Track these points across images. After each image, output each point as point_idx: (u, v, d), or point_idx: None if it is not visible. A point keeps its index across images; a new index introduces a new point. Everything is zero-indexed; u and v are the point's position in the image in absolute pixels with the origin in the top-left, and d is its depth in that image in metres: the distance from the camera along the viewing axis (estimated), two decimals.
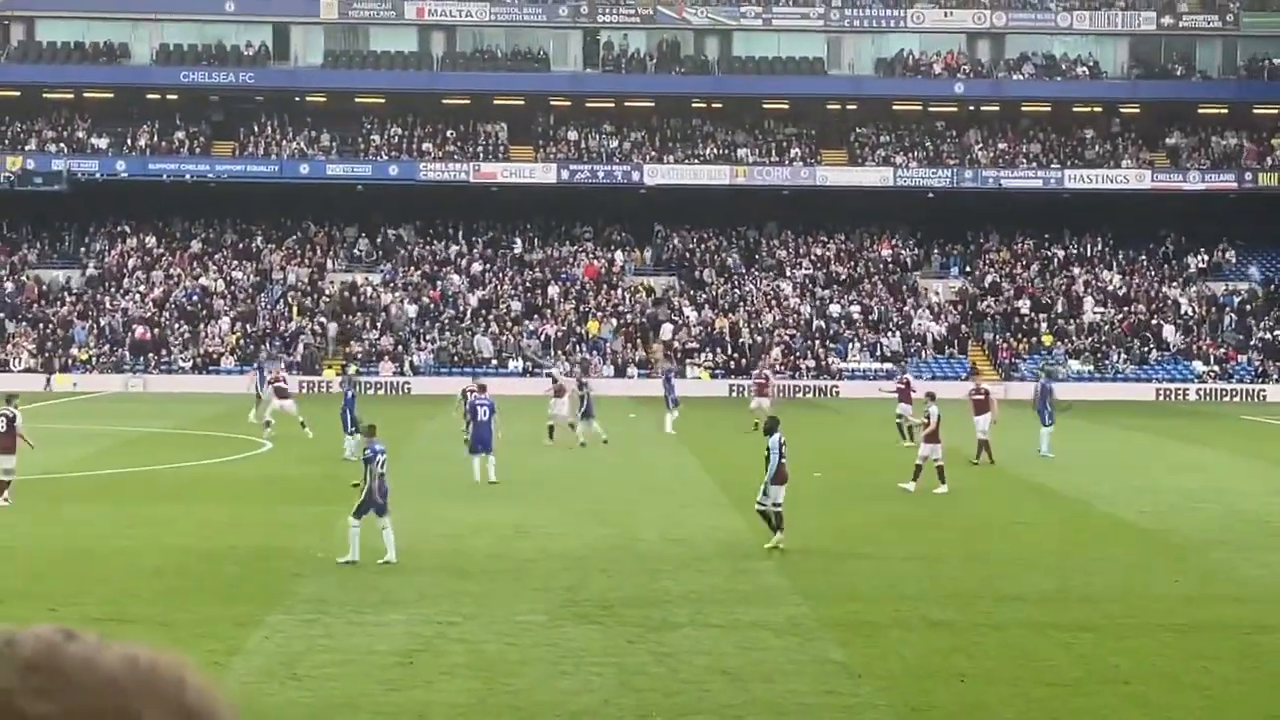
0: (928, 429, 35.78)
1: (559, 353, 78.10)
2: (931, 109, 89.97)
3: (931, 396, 37.72)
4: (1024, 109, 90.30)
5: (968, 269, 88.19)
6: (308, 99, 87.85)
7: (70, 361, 76.82)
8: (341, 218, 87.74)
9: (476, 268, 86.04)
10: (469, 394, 40.30)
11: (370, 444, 25.94)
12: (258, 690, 17.38)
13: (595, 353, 79.05)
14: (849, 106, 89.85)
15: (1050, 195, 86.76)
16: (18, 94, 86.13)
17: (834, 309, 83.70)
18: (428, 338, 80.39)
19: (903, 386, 46.64)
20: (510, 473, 36.91)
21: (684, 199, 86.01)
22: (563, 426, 46.48)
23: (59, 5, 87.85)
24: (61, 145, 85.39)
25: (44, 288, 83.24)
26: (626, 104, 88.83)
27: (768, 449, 27.34)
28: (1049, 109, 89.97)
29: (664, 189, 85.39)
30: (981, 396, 42.34)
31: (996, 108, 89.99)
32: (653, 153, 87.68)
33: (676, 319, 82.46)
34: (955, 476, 36.62)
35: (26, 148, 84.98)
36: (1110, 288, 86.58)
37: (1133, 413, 65.10)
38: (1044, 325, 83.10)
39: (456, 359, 78.25)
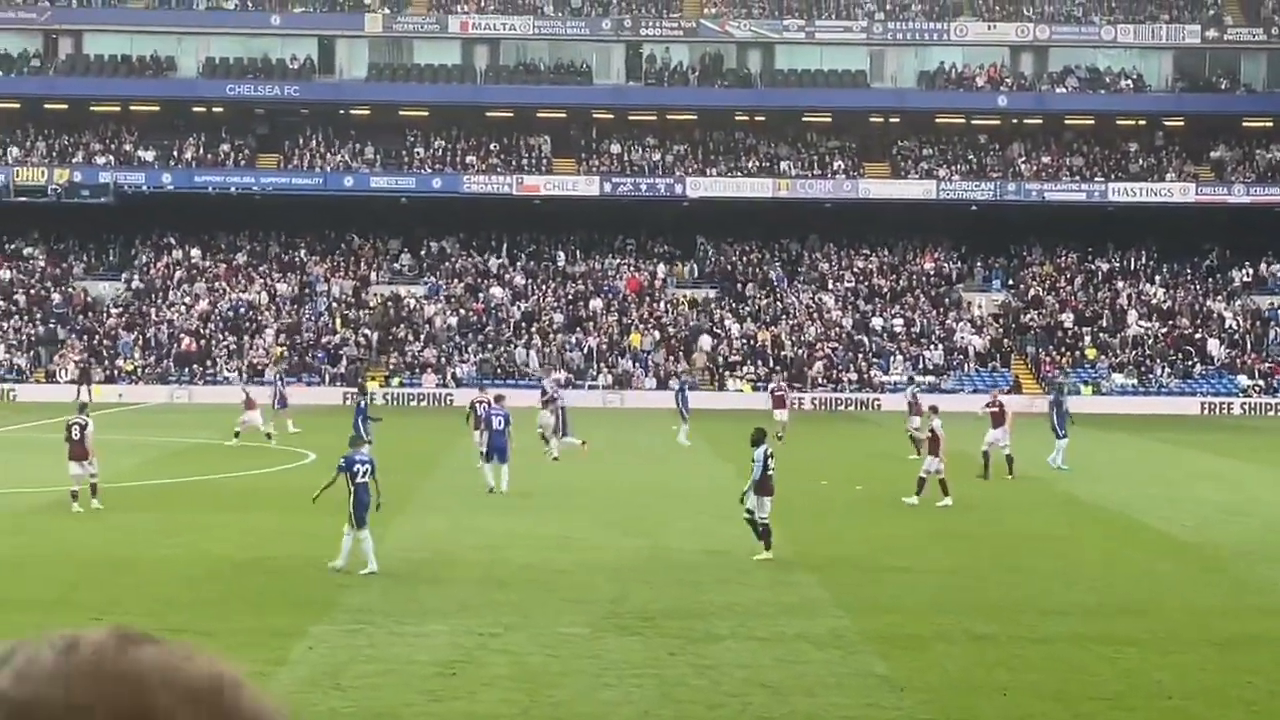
0: (931, 442, 35.76)
1: (547, 365, 77.58)
2: (974, 122, 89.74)
3: (934, 410, 37.79)
4: (1067, 122, 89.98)
5: (1010, 282, 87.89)
6: (352, 112, 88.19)
7: (116, 372, 77.20)
8: (385, 230, 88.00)
9: (519, 280, 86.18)
10: (479, 405, 40.45)
11: (351, 454, 26.05)
12: (302, 700, 17.42)
13: (637, 365, 79.07)
14: (891, 119, 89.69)
15: (1094, 208, 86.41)
16: (66, 107, 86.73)
17: (876, 322, 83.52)
18: (470, 350, 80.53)
19: (995, 410, 45.74)
20: (550, 484, 36.91)
21: (726, 212, 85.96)
22: (549, 432, 46.76)
23: (107, 19, 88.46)
24: (109, 158, 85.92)
25: (90, 299, 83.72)
26: (669, 117, 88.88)
27: (753, 460, 27.39)
28: (1092, 122, 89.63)
29: (706, 202, 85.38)
30: (997, 409, 42.40)
31: (1040, 121, 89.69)
32: (695, 165, 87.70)
33: (718, 331, 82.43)
34: (994, 492, 36.46)
35: (74, 160, 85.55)
36: (1154, 301, 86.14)
37: (1176, 427, 64.73)
38: (1087, 339, 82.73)
39: (499, 371, 78.37)
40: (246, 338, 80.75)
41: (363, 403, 43.26)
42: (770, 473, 27.32)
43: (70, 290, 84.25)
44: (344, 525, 25.56)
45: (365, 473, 25.68)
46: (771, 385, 62.40)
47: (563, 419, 45.97)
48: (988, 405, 43.39)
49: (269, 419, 52.01)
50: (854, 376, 79.03)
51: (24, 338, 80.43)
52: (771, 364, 79.70)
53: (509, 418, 37.23)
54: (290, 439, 50.52)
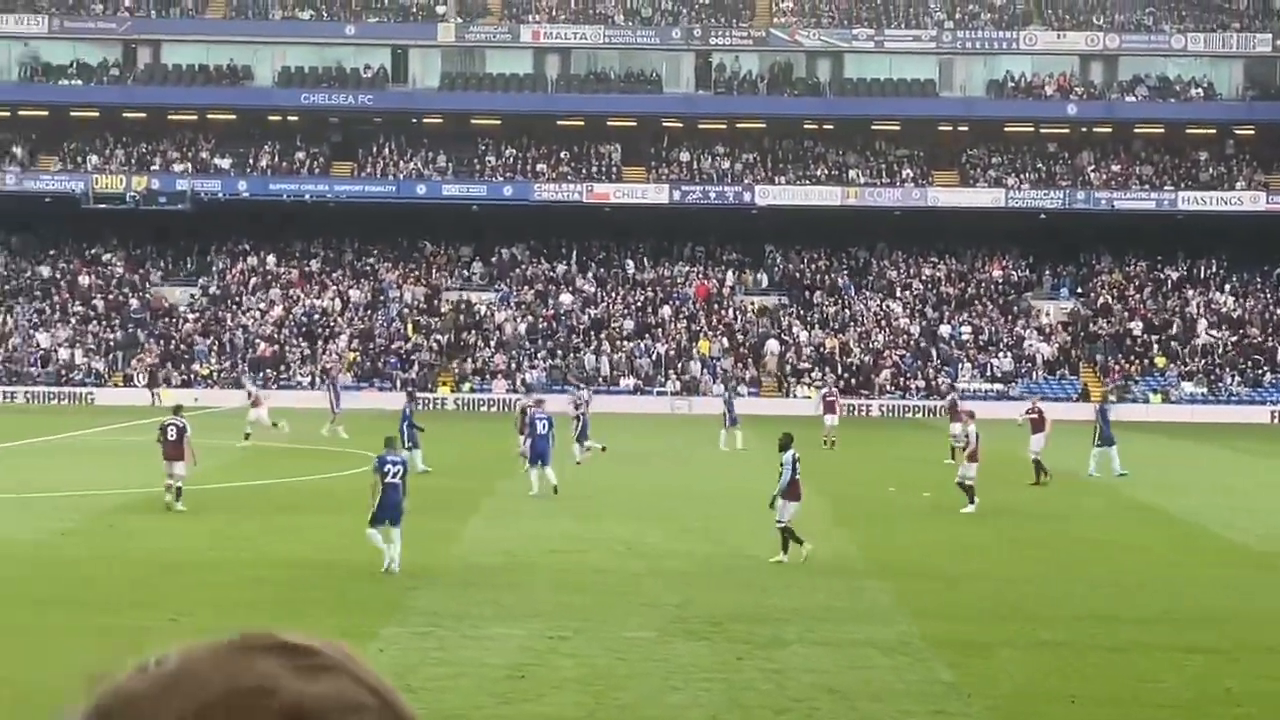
0: (968, 449, 35.64)
1: (570, 376, 77.43)
2: (1043, 130, 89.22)
3: (971, 416, 37.74)
4: (1137, 131, 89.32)
5: (1079, 290, 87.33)
6: (425, 120, 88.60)
7: (192, 377, 77.82)
8: (457, 237, 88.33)
9: (589, 287, 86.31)
10: (528, 410, 40.77)
11: (384, 454, 26.36)
12: None
13: (706, 371, 79.03)
14: (960, 128, 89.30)
15: (1163, 217, 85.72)
16: (144, 116, 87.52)
17: (944, 329, 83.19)
18: (539, 356, 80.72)
19: (1035, 418, 45.65)
20: (618, 490, 36.95)
21: (795, 219, 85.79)
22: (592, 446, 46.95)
23: (184, 29, 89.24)
24: (186, 166, 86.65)
25: (167, 305, 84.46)
26: (738, 125, 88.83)
27: (781, 464, 27.39)
28: (1162, 131, 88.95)
29: (775, 209, 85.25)
30: (1036, 416, 42.44)
31: (1109, 129, 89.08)
32: (764, 174, 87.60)
33: (786, 338, 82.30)
34: (1060, 499, 36.16)
35: (152, 168, 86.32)
36: (1224, 310, 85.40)
37: (1246, 435, 64.15)
38: (1156, 347, 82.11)
39: (568, 377, 78.49)
40: (319, 343, 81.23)
41: (408, 409, 43.71)
42: (797, 477, 27.36)
43: (148, 296, 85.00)
44: (366, 528, 25.79)
45: (396, 473, 25.99)
46: (823, 391, 62.28)
47: (584, 424, 46.19)
48: (1027, 413, 43.40)
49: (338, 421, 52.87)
50: (921, 384, 78.72)
51: (102, 342, 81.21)
52: (839, 370, 79.50)
53: (552, 421, 37.79)
54: (353, 443, 50.58)
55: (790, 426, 51.39)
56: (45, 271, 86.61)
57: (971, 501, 34.93)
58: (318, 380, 74.77)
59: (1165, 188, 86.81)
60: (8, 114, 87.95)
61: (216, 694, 1.35)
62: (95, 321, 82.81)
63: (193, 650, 1.40)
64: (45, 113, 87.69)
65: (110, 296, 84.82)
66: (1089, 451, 44.53)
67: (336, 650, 1.42)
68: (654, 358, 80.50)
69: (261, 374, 78.21)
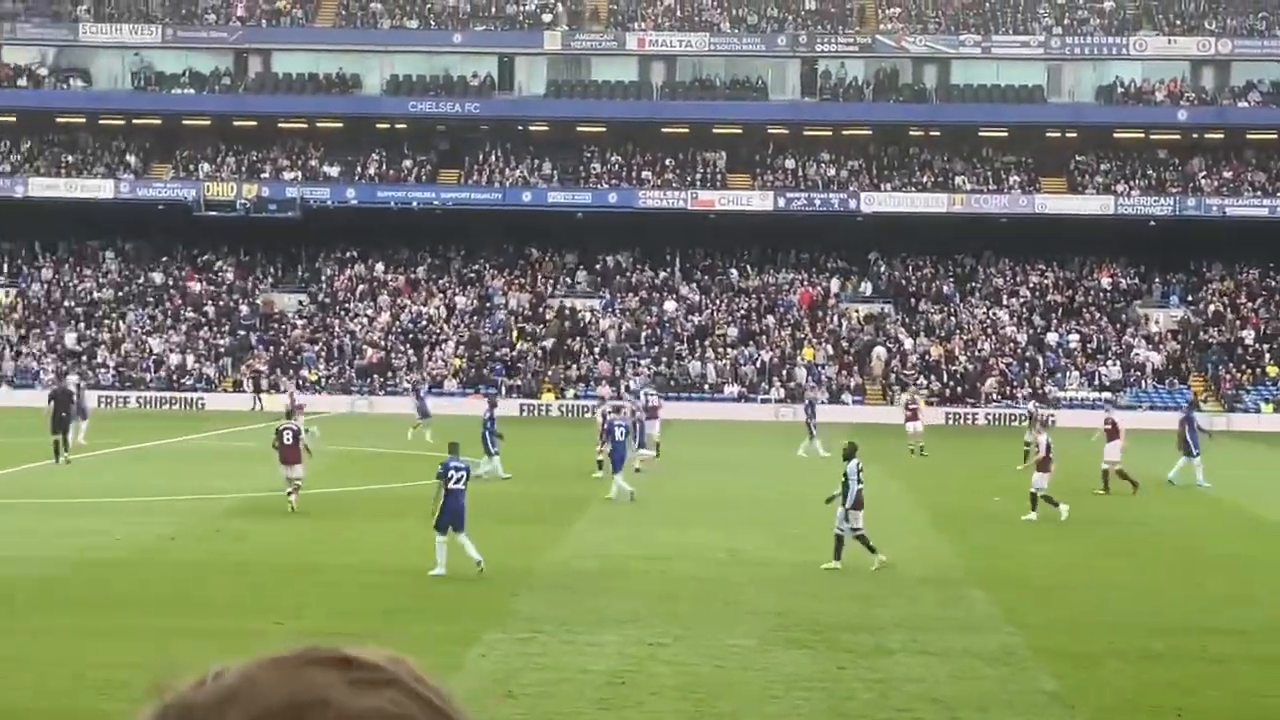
0: (1039, 457, 35.43)
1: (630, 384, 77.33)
2: (1153, 137, 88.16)
3: (1045, 426, 37.70)
4: (1249, 137, 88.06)
5: (1189, 298, 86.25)
6: (531, 128, 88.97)
7: (301, 383, 78.60)
8: (562, 244, 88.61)
9: (692, 294, 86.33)
10: (607, 415, 40.93)
11: (447, 460, 26.58)
12: (474, 707, 17.51)
13: (810, 377, 78.80)
14: (1069, 134, 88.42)
15: (1276, 224, 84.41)
16: (254, 124, 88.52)
17: (1051, 337, 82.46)
18: (643, 363, 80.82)
19: (1109, 428, 45.45)
20: (719, 497, 36.92)
21: (900, 226, 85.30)
22: (652, 444, 47.60)
23: (294, 38, 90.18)
24: (295, 173, 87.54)
25: (276, 311, 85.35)
26: (844, 132, 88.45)
27: (844, 474, 27.37)
28: (1275, 137, 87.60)
29: (880, 216, 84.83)
30: (1110, 427, 42.21)
31: (1220, 135, 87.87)
32: (869, 180, 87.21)
33: (891, 346, 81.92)
34: (1165, 509, 35.70)
35: (262, 176, 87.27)
36: None
37: None
38: (1268, 356, 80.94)
39: (672, 383, 78.57)
40: (425, 350, 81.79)
41: (489, 416, 43.93)
42: (860, 486, 27.42)
43: (257, 302, 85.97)
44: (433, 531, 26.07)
45: (459, 479, 26.14)
46: (905, 399, 62.00)
47: (640, 430, 46.41)
48: (1105, 423, 43.14)
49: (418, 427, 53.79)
50: (1028, 392, 78.04)
51: (213, 348, 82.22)
52: (945, 378, 79.05)
53: (629, 428, 38.85)
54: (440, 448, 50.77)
55: (897, 436, 51.31)
56: (157, 278, 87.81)
57: (1035, 509, 34.80)
58: (419, 386, 75.16)
59: (1278, 194, 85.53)
60: (122, 122, 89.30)
61: (271, 706, 1.37)
62: (206, 327, 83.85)
63: (252, 663, 1.42)
64: (158, 121, 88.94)
65: (221, 303, 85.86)
66: (1176, 460, 44.23)
67: (397, 665, 1.45)
68: (758, 365, 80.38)
69: (369, 380, 78.87)
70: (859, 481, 27.37)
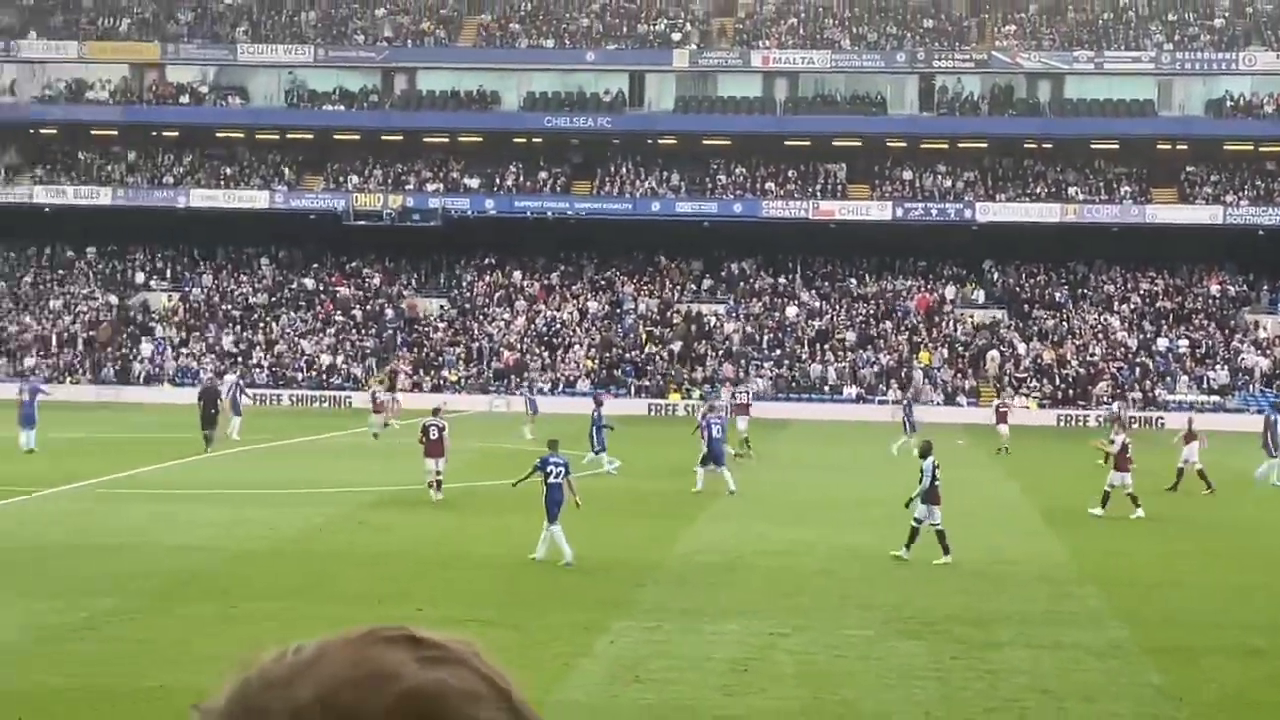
0: (1116, 453, 35.04)
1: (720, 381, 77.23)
2: (1262, 149, 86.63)
3: (1124, 427, 37.47)
4: None
5: None
6: (660, 141, 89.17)
7: (441, 383, 79.29)
8: (688, 252, 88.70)
9: (813, 299, 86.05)
10: (705, 415, 41.35)
11: (546, 455, 27.18)
12: (604, 691, 17.69)
13: (926, 380, 78.29)
14: (1179, 146, 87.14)
15: None
16: (400, 138, 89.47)
17: (1161, 342, 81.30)
18: (766, 365, 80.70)
19: (1187, 431, 44.95)
20: (835, 494, 36.78)
21: (1014, 236, 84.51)
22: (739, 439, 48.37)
23: (438, 57, 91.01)
24: (438, 185, 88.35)
25: (419, 315, 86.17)
26: (960, 145, 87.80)
27: (921, 470, 27.60)
28: None
29: (995, 226, 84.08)
30: (1187, 430, 42.22)
31: None
32: (984, 191, 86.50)
33: (1004, 350, 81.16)
34: (1256, 509, 35.11)
35: (407, 187, 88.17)
36: None
37: None
38: None
39: (793, 385, 78.44)
40: (559, 352, 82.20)
41: (597, 414, 44.77)
42: (937, 483, 27.57)
43: (402, 306, 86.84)
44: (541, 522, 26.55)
45: (558, 474, 26.65)
46: (996, 402, 61.60)
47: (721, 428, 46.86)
48: (1187, 425, 43.18)
49: (525, 424, 55.06)
50: (1138, 395, 77.04)
51: (359, 349, 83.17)
52: (1057, 382, 78.20)
53: (725, 426, 39.43)
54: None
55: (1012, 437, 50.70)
56: (309, 283, 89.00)
57: (1103, 506, 34.54)
58: (556, 387, 75.61)
59: None
60: (276, 137, 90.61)
61: (346, 678, 1.42)
62: (354, 330, 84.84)
63: (330, 640, 1.48)
64: (310, 136, 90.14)
65: (367, 306, 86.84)
66: (1262, 460, 43.87)
67: (460, 643, 1.50)
68: (876, 368, 79.96)
69: (505, 381, 79.38)
70: (935, 478, 27.40)
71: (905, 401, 58.32)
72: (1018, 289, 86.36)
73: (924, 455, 28.04)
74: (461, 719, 1.42)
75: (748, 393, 66.34)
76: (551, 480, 26.53)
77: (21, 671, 15.23)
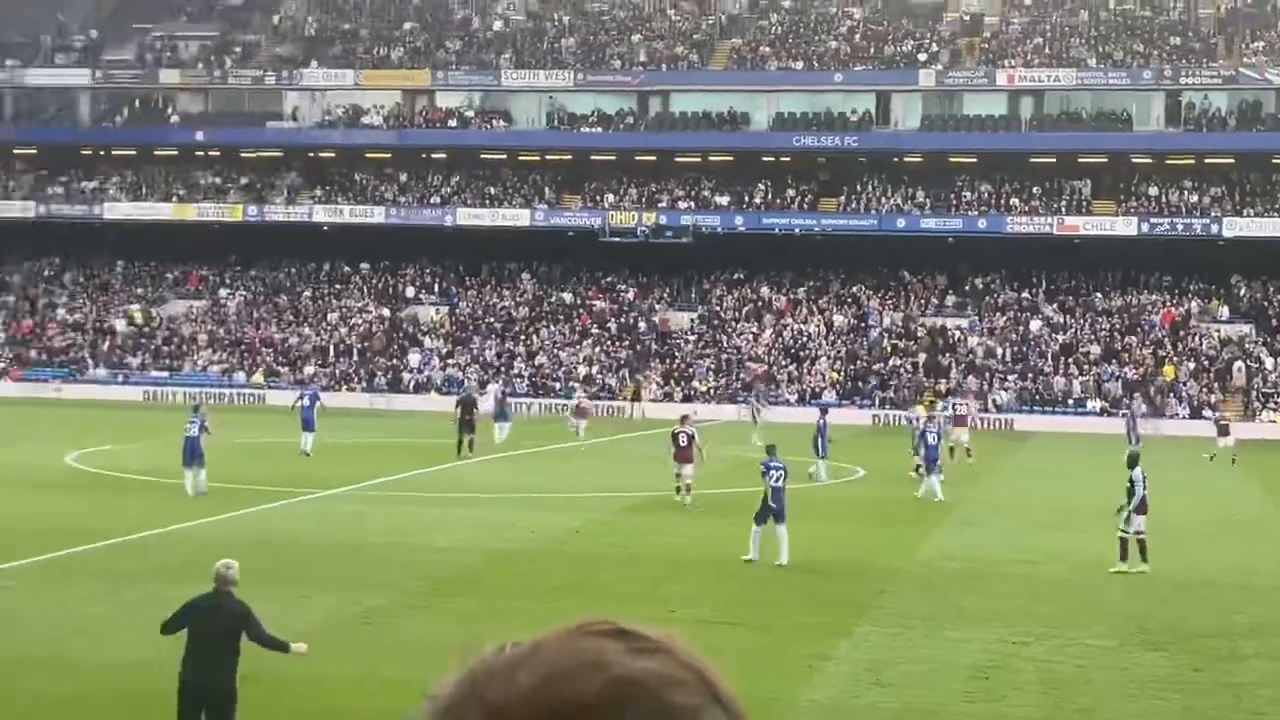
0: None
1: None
2: None
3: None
4: None
5: None
6: (905, 159, 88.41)
7: (692, 393, 79.70)
8: (933, 267, 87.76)
9: (1057, 314, 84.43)
10: (921, 422, 42.25)
11: (767, 461, 27.41)
12: (845, 693, 17.66)
13: (1172, 395, 76.20)
14: None
15: None
16: (654, 158, 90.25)
17: None
18: (1010, 378, 79.41)
19: None
20: (1077, 503, 36.07)
21: (1262, 250, 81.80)
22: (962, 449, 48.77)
23: (690, 80, 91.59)
24: (689, 203, 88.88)
25: (670, 328, 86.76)
26: (1206, 160, 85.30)
27: (1130, 480, 26.92)
28: None
29: (1242, 241, 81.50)
30: None
31: None
32: (1231, 206, 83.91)
33: (1252, 364, 78.59)
34: None
35: (659, 205, 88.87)
36: None
37: None
38: None
39: (1037, 398, 77.06)
40: (804, 364, 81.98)
41: (822, 423, 45.09)
42: (1145, 492, 26.91)
43: (655, 319, 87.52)
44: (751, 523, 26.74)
45: (778, 478, 26.82)
46: (1216, 414, 60.01)
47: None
48: None
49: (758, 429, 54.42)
50: None
51: (614, 361, 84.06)
52: None
53: (941, 434, 40.99)
54: (840, 454, 50.66)
55: (1265, 451, 49.42)
56: (567, 297, 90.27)
57: None
58: (802, 398, 75.40)
59: None
60: (537, 158, 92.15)
61: (560, 666, 1.48)
62: (609, 342, 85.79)
63: (542, 634, 1.54)
64: (569, 156, 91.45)
65: (622, 319, 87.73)
66: None
67: (665, 636, 1.54)
68: (1120, 381, 78.09)
69: (754, 393, 79.44)
70: (1144, 488, 26.74)
71: (1129, 414, 57.10)
72: (1265, 304, 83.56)
73: (1132, 465, 27.35)
74: (662, 702, 1.48)
75: (967, 405, 65.31)
76: (774, 484, 26.75)
77: (315, 661, 15.87)
